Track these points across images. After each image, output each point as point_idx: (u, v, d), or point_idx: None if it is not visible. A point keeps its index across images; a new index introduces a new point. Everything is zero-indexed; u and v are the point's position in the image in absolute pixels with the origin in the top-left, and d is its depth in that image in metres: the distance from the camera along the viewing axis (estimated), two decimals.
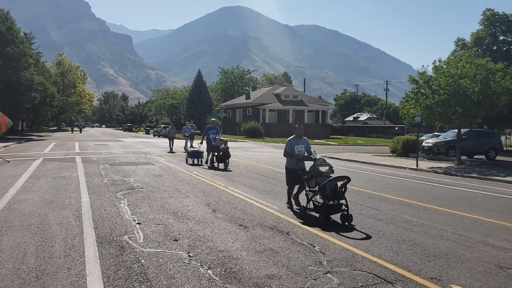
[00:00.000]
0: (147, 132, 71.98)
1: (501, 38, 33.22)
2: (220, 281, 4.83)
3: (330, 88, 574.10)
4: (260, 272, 5.16)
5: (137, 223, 7.44)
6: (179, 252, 5.86)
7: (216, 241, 6.45)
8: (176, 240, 6.45)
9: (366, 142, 50.39)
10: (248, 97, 64.70)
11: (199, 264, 5.38)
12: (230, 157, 17.10)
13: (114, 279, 4.80)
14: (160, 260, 5.49)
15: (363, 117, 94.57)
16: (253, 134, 51.47)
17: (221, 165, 17.16)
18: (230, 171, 16.05)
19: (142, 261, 5.44)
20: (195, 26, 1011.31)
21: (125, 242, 6.29)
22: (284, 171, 9.61)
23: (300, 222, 7.84)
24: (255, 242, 6.45)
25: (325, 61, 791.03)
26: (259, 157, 23.90)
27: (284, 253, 5.94)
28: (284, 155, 9.36)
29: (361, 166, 21.03)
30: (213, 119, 19.16)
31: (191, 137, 30.62)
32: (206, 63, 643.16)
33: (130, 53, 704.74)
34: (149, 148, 29.32)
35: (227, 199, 10.16)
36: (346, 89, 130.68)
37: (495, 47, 33.10)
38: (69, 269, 5.10)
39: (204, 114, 67.43)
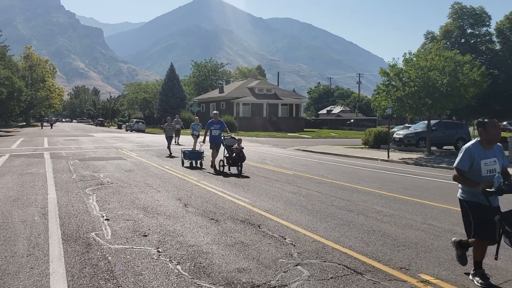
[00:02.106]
0: (120, 127, 70.82)
1: (469, 31, 33.98)
2: (189, 277, 4.75)
3: (304, 81, 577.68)
4: (230, 266, 5.10)
5: (106, 219, 7.27)
6: (148, 248, 5.74)
7: (187, 236, 6.36)
8: (145, 236, 6.32)
9: (339, 134, 50.94)
10: (221, 91, 64.39)
11: (168, 260, 5.28)
12: (245, 159, 13.79)
13: (79, 278, 4.65)
14: (128, 257, 5.36)
15: (337, 110, 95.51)
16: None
17: (233, 169, 14.11)
18: (247, 177, 12.90)
19: (109, 258, 5.30)
20: (167, 19, 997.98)
21: (92, 239, 6.12)
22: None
23: (272, 215, 7.82)
24: (226, 236, 6.38)
25: (299, 54, 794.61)
26: None
27: (255, 246, 5.90)
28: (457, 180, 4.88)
29: (334, 158, 21.22)
30: (214, 112, 15.83)
31: (176, 133, 27.81)
32: (179, 57, 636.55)
33: (101, 47, 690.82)
34: (120, 143, 28.81)
35: (199, 193, 10.05)
36: (319, 82, 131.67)
37: (463, 40, 33.83)
38: (31, 268, 4.91)
39: (177, 108, 66.72)
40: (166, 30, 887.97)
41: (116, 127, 76.92)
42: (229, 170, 14.04)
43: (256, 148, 26.84)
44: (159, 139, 36.36)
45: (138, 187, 10.74)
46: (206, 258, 5.36)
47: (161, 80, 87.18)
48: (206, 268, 5.01)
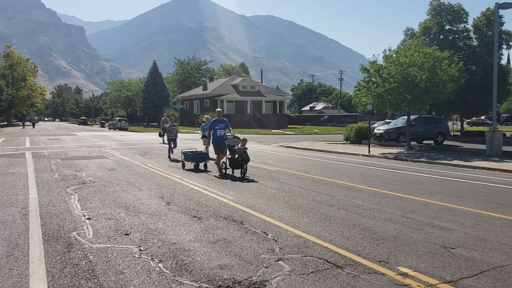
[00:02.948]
0: (102, 126, 70.18)
1: (447, 27, 34.51)
2: (171, 274, 4.78)
3: (287, 78, 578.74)
4: (212, 263, 5.15)
5: (87, 219, 7.24)
6: (129, 247, 5.75)
7: (169, 234, 6.38)
8: (127, 235, 6.33)
9: (322, 131, 51.26)
10: (205, 88, 64.17)
11: (150, 258, 5.30)
12: (249, 160, 12.59)
13: (59, 278, 4.64)
14: (110, 256, 5.37)
15: (319, 106, 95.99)
16: None
17: (237, 172, 12.77)
18: (253, 181, 11.48)
19: (91, 257, 5.30)
20: (150, 16, 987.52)
21: (73, 238, 6.10)
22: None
23: (254, 211, 7.88)
24: (209, 233, 6.42)
25: (282, 52, 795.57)
26: None
27: (237, 242, 5.95)
28: None
29: (316, 154, 21.38)
30: (218, 109, 14.22)
31: (166, 132, 27.72)
32: (162, 54, 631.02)
33: (83, 45, 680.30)
34: (103, 142, 28.54)
35: (182, 191, 10.06)
36: (302, 79, 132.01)
37: (441, 36, 34.34)
38: (11, 269, 4.88)
39: (161, 106, 66.35)
40: (149, 28, 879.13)
41: (99, 125, 76.13)
42: (232, 172, 12.84)
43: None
44: (143, 137, 36.13)
45: (121, 186, 10.69)
46: (188, 256, 5.39)
47: (144, 78, 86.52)
48: (188, 266, 5.05)
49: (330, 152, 22.24)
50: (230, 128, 13.55)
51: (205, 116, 18.79)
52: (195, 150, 14.65)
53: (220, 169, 12.93)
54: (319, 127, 60.95)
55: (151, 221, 7.13)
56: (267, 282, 4.56)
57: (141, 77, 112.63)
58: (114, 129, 56.24)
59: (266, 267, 4.99)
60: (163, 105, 66.98)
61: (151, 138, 34.71)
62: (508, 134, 31.94)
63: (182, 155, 14.41)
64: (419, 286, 4.47)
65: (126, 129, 54.97)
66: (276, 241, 6.03)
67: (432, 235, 6.42)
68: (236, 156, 12.31)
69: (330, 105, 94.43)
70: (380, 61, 23.00)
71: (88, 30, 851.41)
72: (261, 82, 78.15)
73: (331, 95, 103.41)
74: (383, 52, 23.09)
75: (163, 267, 5.01)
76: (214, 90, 60.40)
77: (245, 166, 12.26)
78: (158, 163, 15.76)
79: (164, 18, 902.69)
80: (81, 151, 20.72)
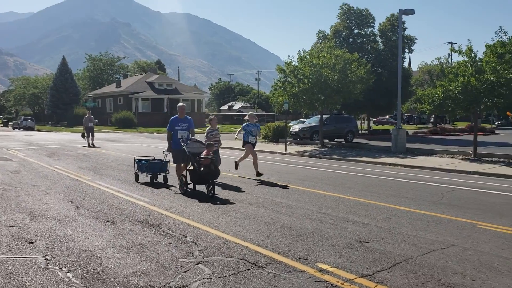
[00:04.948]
0: (6, 125, 64.54)
1: (356, 31, 36.53)
2: (81, 285, 4.42)
3: (205, 77, 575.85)
4: (127, 270, 4.86)
5: None
6: (34, 256, 5.26)
7: (79, 241, 5.94)
8: (32, 243, 5.79)
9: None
10: (119, 86, 61.65)
11: (57, 268, 4.87)
12: (219, 174, 9.61)
13: None
14: (11, 268, 4.85)
15: (238, 105, 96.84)
16: (125, 125, 49.36)
17: (200, 187, 9.77)
18: (233, 202, 8.43)
19: None
20: (58, 9, 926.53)
21: None
22: None
23: (172, 213, 7.63)
24: (123, 238, 6.08)
25: (199, 50, 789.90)
26: (131, 148, 22.91)
27: (154, 247, 5.69)
28: None
29: (234, 152, 21.41)
30: (180, 104, 11.09)
31: (90, 132, 23.75)
32: (72, 50, 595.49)
33: None
34: (6, 142, 26.20)
35: (94, 194, 9.48)
36: (220, 78, 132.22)
37: (351, 39, 36.26)
38: None
39: (71, 104, 62.56)
40: (57, 22, 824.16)
41: (2, 125, 69.98)
42: (194, 189, 9.72)
43: (156, 144, 26.14)
44: (51, 137, 33.76)
45: (25, 190, 9.83)
46: (101, 263, 5.04)
47: (52, 75, 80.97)
48: (100, 274, 4.71)
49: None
50: (193, 128, 10.90)
51: (249, 113, 13.62)
52: (151, 158, 11.45)
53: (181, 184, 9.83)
54: (238, 125, 61.41)
55: (59, 227, 6.60)
56: (187, 287, 4.39)
57: (49, 73, 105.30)
58: (19, 128, 52.15)
59: (185, 272, 4.82)
60: (74, 103, 63.24)
61: (60, 138, 32.54)
62: (410, 132, 34.53)
63: (135, 164, 11.32)
64: (337, 282, 4.57)
65: (32, 129, 51.16)
66: (195, 243, 5.86)
67: (347, 230, 6.65)
68: (201, 168, 9.27)
69: (248, 104, 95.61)
70: (295, 62, 23.67)
71: None
72: (178, 80, 76.82)
73: (249, 94, 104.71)
74: (297, 54, 23.79)
75: (73, 277, 4.63)
76: (129, 87, 58.23)
77: (213, 182, 9.28)
78: (68, 165, 14.76)
79: (74, 12, 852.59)
80: None
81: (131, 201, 8.74)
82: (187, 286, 4.43)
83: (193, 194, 9.44)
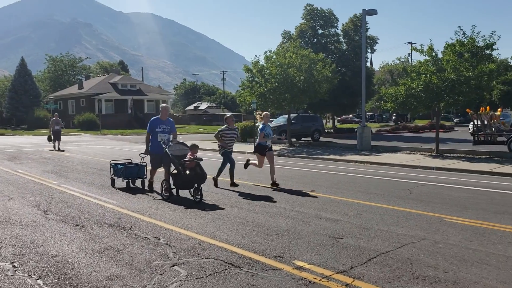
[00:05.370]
0: None
1: (320, 31, 37.05)
2: None
3: (169, 77, 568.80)
4: (100, 274, 4.72)
5: None
6: (0, 264, 5.03)
7: (48, 246, 5.73)
8: None
9: (208, 130, 51.36)
10: (81, 87, 60.10)
11: (26, 275, 4.68)
12: (206, 178, 8.97)
13: None
14: None
15: (203, 106, 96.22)
16: (88, 127, 48.16)
17: (184, 193, 9.25)
18: (219, 207, 8.06)
19: None
20: (14, 9, 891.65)
21: None
22: None
23: (143, 215, 7.48)
24: (94, 242, 5.91)
25: (162, 51, 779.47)
26: (96, 150, 22.36)
27: (126, 250, 5.56)
28: None
29: (202, 153, 21.24)
30: (163, 105, 10.78)
31: (56, 136, 22.80)
32: (31, 51, 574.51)
33: None
34: None
35: (60, 198, 9.18)
36: (185, 79, 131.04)
37: (315, 40, 36.75)
38: None
39: (31, 107, 60.41)
40: (14, 22, 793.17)
41: None
42: (177, 194, 9.25)
43: (121, 146, 25.64)
44: (10, 140, 32.46)
45: None
46: (72, 269, 4.88)
47: (10, 76, 78.07)
48: (72, 280, 4.56)
49: (216, 151, 22.20)
50: (176, 132, 10.17)
51: (260, 112, 12.37)
52: (128, 162, 10.90)
53: (163, 189, 9.19)
54: (205, 126, 61.01)
55: (26, 233, 6.36)
56: None
57: (6, 75, 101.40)
58: None
59: (160, 274, 4.73)
60: (34, 106, 61.10)
61: (20, 141, 31.33)
62: (373, 130, 35.31)
63: (111, 169, 10.69)
64: (315, 278, 4.60)
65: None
66: (169, 245, 5.77)
67: (321, 226, 6.72)
68: (186, 171, 8.75)
69: (214, 105, 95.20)
70: (262, 61, 23.76)
71: None
72: (142, 80, 75.65)
73: (214, 94, 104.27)
74: (264, 53, 23.89)
75: (43, 284, 4.46)
76: (91, 88, 56.87)
77: (199, 187, 8.64)
78: (31, 169, 14.24)
79: (31, 12, 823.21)
80: None
81: (100, 204, 8.52)
82: None
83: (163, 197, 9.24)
